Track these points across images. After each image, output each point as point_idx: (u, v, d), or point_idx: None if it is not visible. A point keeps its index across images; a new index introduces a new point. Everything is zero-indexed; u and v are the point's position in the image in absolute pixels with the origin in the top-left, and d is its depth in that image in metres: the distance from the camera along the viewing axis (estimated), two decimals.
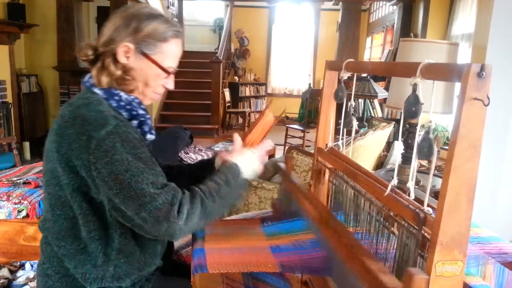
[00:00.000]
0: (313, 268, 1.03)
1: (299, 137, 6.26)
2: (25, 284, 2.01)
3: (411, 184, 0.86)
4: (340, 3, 5.41)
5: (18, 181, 2.05)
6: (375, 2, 7.31)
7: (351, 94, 1.24)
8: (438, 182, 2.16)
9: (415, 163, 0.82)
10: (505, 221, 1.86)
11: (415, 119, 0.81)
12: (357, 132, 3.48)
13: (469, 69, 0.67)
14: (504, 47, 1.73)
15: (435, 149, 0.77)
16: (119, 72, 1.04)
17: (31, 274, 2.06)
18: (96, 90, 1.05)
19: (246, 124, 8.10)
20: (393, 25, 5.55)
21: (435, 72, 0.76)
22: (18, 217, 1.92)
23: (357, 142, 2.72)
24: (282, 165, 1.48)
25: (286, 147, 5.84)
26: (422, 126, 0.91)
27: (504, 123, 1.78)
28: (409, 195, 0.85)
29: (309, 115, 6.36)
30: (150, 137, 1.12)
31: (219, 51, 7.55)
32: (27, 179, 2.06)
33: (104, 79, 1.05)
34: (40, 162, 2.50)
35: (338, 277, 0.96)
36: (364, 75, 4.47)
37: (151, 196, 0.93)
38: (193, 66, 8.78)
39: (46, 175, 1.06)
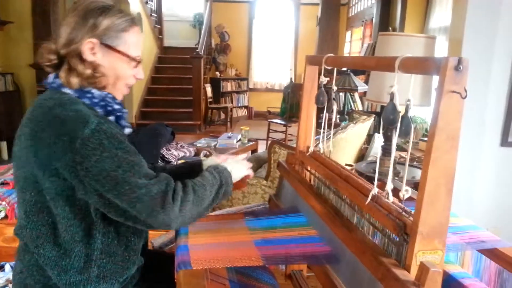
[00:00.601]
0: (306, 256, 1.04)
1: (281, 132, 6.28)
2: (5, 285, 1.97)
3: (389, 187, 0.87)
4: None
5: None
6: None
7: (330, 88, 1.25)
8: (417, 173, 2.20)
9: (392, 162, 0.83)
10: (482, 210, 1.91)
11: (394, 125, 0.82)
12: (338, 125, 3.51)
13: (446, 62, 0.69)
14: (479, 40, 1.77)
15: (412, 126, 0.79)
16: (88, 71, 1.01)
17: (11, 276, 2.02)
18: (66, 90, 1.02)
19: (228, 120, 8.08)
20: (372, 19, 5.60)
21: (413, 66, 0.78)
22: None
23: (338, 135, 2.75)
24: (283, 162, 1.47)
25: (269, 142, 5.86)
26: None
27: (480, 115, 1.82)
28: (387, 198, 0.87)
29: (290, 109, 6.39)
30: (128, 131, 1.10)
31: (200, 46, 7.50)
32: (4, 180, 2.02)
33: (74, 80, 1.01)
34: None
35: (345, 270, 0.97)
36: (344, 69, 4.51)
37: (146, 187, 0.93)
38: (174, 62, 8.72)
39: (20, 181, 1.02)
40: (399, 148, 3.06)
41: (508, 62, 1.82)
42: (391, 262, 0.79)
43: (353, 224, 0.96)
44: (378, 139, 3.47)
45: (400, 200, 0.87)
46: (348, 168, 1.32)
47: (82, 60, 1.02)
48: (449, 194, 0.75)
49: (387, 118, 0.82)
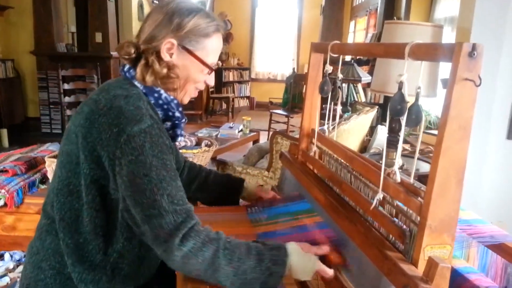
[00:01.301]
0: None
1: (283, 122, 6.24)
2: (5, 275, 1.96)
3: (397, 168, 0.84)
4: None
5: None
6: None
7: (334, 78, 1.22)
8: (420, 165, 2.17)
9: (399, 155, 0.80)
10: (487, 204, 1.88)
11: (401, 116, 0.79)
12: (341, 116, 3.48)
13: (460, 48, 0.65)
14: (488, 30, 1.73)
15: (423, 115, 0.76)
16: (164, 71, 1.00)
17: (11, 265, 2.01)
18: (137, 84, 1.01)
19: (229, 110, 8.04)
20: (377, 9, 5.52)
21: (424, 52, 0.74)
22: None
23: (341, 127, 2.71)
24: (286, 153, 1.44)
25: (271, 133, 5.83)
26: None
27: (488, 104, 1.78)
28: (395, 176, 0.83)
29: (293, 100, 6.34)
30: (180, 139, 1.10)
31: None
32: (4, 167, 2.00)
33: (149, 78, 1.00)
34: (18, 150, 2.42)
35: (352, 267, 0.95)
36: (348, 59, 4.46)
37: (160, 210, 0.88)
38: None
39: (62, 156, 1.00)
40: (403, 140, 3.02)
41: None
42: (398, 257, 0.76)
43: (358, 215, 0.94)
44: (381, 130, 3.43)
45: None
46: None
47: (159, 58, 1.00)
48: (459, 186, 0.72)
49: (394, 108, 0.79)
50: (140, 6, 7.60)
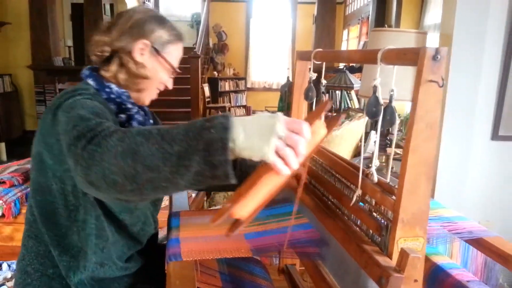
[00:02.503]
0: (295, 242, 1.04)
1: None
2: (3, 284, 1.99)
3: (374, 169, 0.89)
4: None
5: None
6: None
7: (327, 85, 1.27)
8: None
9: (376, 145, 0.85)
10: (474, 204, 1.92)
11: (377, 118, 0.84)
12: None
13: (424, 52, 0.70)
14: (469, 34, 1.79)
15: (396, 115, 0.80)
16: (139, 70, 1.09)
17: (9, 274, 2.04)
18: (90, 81, 1.07)
19: None
20: (368, 17, 5.62)
21: (395, 57, 0.79)
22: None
23: (333, 133, 2.77)
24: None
25: None
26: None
27: (471, 106, 1.84)
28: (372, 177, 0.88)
29: (288, 108, 6.40)
30: None
31: (197, 46, 7.51)
32: (1, 179, 2.04)
33: (122, 76, 1.09)
34: (15, 162, 2.46)
35: (332, 260, 0.99)
36: (341, 67, 4.53)
37: (73, 131, 0.80)
38: None
39: (31, 161, 1.06)
40: (396, 145, 3.07)
41: (498, 57, 1.84)
42: (374, 250, 0.80)
43: (340, 213, 0.98)
44: (374, 136, 3.48)
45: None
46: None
47: (131, 58, 1.08)
48: (429, 182, 0.76)
49: (370, 111, 0.83)
50: None
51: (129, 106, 1.09)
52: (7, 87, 5.71)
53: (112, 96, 1.07)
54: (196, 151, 0.66)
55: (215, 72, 8.95)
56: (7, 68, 5.83)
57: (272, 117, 0.67)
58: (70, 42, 7.31)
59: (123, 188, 0.71)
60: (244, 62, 9.56)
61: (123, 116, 1.08)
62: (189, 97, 7.39)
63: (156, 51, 1.10)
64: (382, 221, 0.84)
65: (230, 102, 8.87)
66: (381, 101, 0.84)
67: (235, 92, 9.13)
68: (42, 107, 5.63)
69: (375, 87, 0.84)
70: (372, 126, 4.08)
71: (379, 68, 0.84)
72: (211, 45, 8.88)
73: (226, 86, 8.92)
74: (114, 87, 1.07)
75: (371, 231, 0.86)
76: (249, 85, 9.54)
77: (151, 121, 1.20)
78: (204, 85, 8.00)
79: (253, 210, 0.72)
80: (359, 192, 0.90)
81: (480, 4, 1.77)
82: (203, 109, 7.98)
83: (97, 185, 0.73)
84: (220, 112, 8.36)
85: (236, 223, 0.74)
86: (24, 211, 1.99)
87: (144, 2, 8.22)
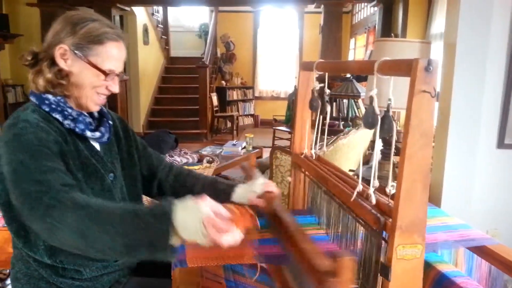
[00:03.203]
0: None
1: (287, 139, 6.31)
2: None
3: (372, 191, 0.91)
4: (322, 6, 5.49)
5: None
6: (357, 4, 7.42)
7: (334, 94, 1.29)
8: None
9: (376, 160, 0.87)
10: (481, 212, 1.91)
11: (373, 128, 0.86)
12: (341, 131, 3.54)
13: (417, 64, 0.73)
14: (473, 44, 1.80)
15: (395, 124, 0.82)
16: (50, 75, 1.06)
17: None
18: (32, 98, 1.08)
19: (234, 128, 8.14)
20: (375, 26, 5.65)
21: (390, 68, 0.82)
22: (6, 225, 1.92)
23: (340, 141, 2.78)
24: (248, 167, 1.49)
25: None
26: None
27: (476, 117, 1.84)
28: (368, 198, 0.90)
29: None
30: (93, 134, 1.12)
31: (205, 56, 7.59)
32: None
33: (40, 82, 1.06)
34: None
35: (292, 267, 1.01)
36: (348, 75, 4.55)
37: (24, 190, 0.90)
38: (180, 72, 8.83)
39: None
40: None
41: (502, 65, 1.85)
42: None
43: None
44: (380, 144, 3.48)
45: (387, 196, 0.90)
46: (350, 173, 1.36)
47: (52, 64, 1.07)
48: (425, 190, 0.78)
49: (366, 121, 0.86)
50: (145, 31, 7.82)
51: (69, 110, 1.08)
52: (19, 98, 5.82)
53: (53, 106, 1.06)
54: (143, 245, 0.82)
55: (223, 82, 9.03)
56: (19, 79, 5.95)
57: (199, 211, 0.82)
58: None
59: (80, 251, 0.88)
60: (251, 71, 9.62)
61: (68, 122, 1.07)
62: (197, 107, 7.46)
63: (77, 55, 1.06)
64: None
65: (238, 111, 8.92)
66: (378, 111, 0.86)
67: (243, 101, 9.18)
68: None
69: (371, 98, 0.86)
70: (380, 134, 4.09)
71: (375, 79, 0.86)
72: (219, 54, 8.97)
73: (234, 95, 8.98)
74: (50, 97, 1.07)
75: (369, 236, 0.88)
76: (256, 94, 9.59)
77: (110, 122, 1.20)
78: (212, 94, 8.06)
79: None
80: (359, 188, 0.92)
81: (483, 12, 1.78)
82: (211, 118, 8.04)
83: (58, 245, 0.89)
84: (228, 121, 8.41)
85: None
86: None
87: (153, 14, 8.34)
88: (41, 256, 1.07)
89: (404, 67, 0.76)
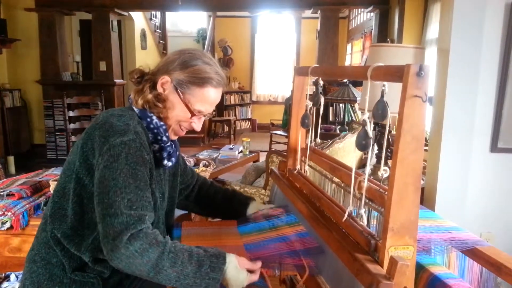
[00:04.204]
0: (293, 252, 1.09)
1: (284, 143, 6.33)
2: None
3: (363, 212, 0.92)
4: (319, 11, 5.53)
5: (2, 193, 2.07)
6: (354, 10, 7.47)
7: (331, 99, 1.30)
8: None
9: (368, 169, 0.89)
10: (475, 216, 1.94)
11: (366, 150, 0.87)
12: (338, 135, 3.56)
13: (409, 69, 0.75)
14: (466, 49, 1.83)
15: (388, 110, 0.81)
16: (150, 96, 1.13)
17: (16, 285, 2.08)
18: (134, 108, 1.16)
19: (231, 132, 8.16)
20: (371, 32, 5.69)
21: (382, 74, 0.83)
22: (2, 229, 1.93)
23: (336, 145, 2.80)
24: (275, 169, 1.54)
25: None
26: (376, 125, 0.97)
27: (470, 121, 1.86)
28: (361, 221, 0.91)
29: None
30: (167, 163, 1.19)
31: None
32: (10, 191, 2.09)
33: (139, 101, 1.14)
34: (24, 174, 2.52)
35: (328, 269, 1.02)
36: (345, 80, 4.58)
37: (116, 210, 0.97)
38: None
39: (66, 164, 1.15)
40: None
41: (494, 70, 1.88)
42: (366, 258, 0.84)
43: (335, 224, 1.01)
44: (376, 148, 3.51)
45: (379, 180, 0.91)
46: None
47: (153, 88, 1.15)
48: (417, 192, 0.79)
49: (359, 144, 0.87)
50: (143, 36, 7.85)
51: (164, 139, 1.16)
52: (17, 102, 5.82)
53: (152, 126, 1.14)
54: (197, 286, 0.99)
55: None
56: (17, 83, 5.95)
57: (244, 278, 1.05)
58: (78, 58, 7.46)
59: (142, 277, 0.99)
60: (249, 76, 9.66)
61: (156, 146, 1.16)
62: None
63: (175, 89, 1.15)
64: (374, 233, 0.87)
65: (235, 115, 8.95)
66: (371, 134, 0.87)
67: (240, 105, 9.21)
68: (51, 121, 5.72)
69: (364, 122, 0.87)
70: (376, 138, 4.12)
71: (369, 84, 0.88)
72: (216, 59, 8.99)
73: (232, 99, 9.01)
74: (154, 118, 1.15)
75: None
76: (254, 99, 9.62)
77: (178, 152, 1.28)
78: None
79: None
80: (350, 208, 0.94)
81: (476, 18, 1.81)
82: (209, 123, 8.05)
83: (123, 268, 0.97)
84: (225, 126, 8.43)
85: None
86: (32, 222, 2.04)
87: (151, 19, 8.37)
88: (81, 252, 1.10)
89: (396, 73, 0.78)
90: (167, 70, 1.15)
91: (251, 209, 1.42)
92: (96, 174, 1.02)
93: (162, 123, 1.16)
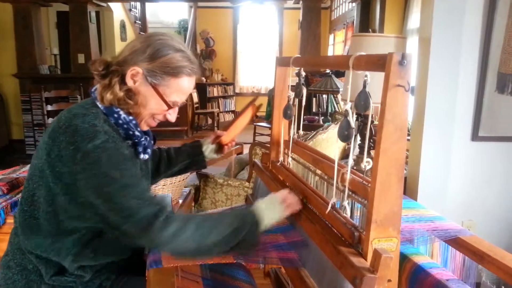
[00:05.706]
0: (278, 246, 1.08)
1: (267, 135, 6.32)
2: None
3: (346, 204, 0.91)
4: (301, 2, 5.50)
5: None
6: (336, 0, 7.46)
7: (314, 90, 1.28)
8: None
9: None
10: (456, 204, 1.96)
11: (348, 141, 0.86)
12: (321, 126, 3.56)
13: (391, 58, 0.73)
14: (447, 38, 1.83)
15: (370, 100, 0.80)
16: (121, 94, 1.05)
17: None
18: (99, 104, 1.07)
19: (215, 125, 8.10)
20: (353, 22, 5.69)
21: (365, 63, 0.82)
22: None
23: (319, 136, 2.79)
24: (258, 162, 1.51)
25: None
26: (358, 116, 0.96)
27: (450, 110, 1.87)
28: (345, 212, 0.90)
29: None
30: (144, 156, 1.14)
31: None
32: None
33: (108, 97, 1.05)
34: (0, 171, 2.44)
35: (312, 263, 1.01)
36: (327, 71, 4.58)
37: (132, 209, 0.96)
38: None
39: (31, 169, 1.08)
40: None
41: (475, 59, 1.89)
42: (350, 251, 0.82)
43: (318, 217, 1.00)
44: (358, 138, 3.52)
45: (362, 172, 0.90)
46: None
47: (122, 81, 1.06)
48: (400, 183, 0.78)
49: (341, 134, 0.85)
50: (123, 27, 7.69)
51: (137, 133, 1.10)
52: None
53: (120, 121, 1.07)
54: (243, 229, 1.02)
55: (203, 78, 8.96)
56: None
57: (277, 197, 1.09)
58: (56, 50, 7.28)
59: (188, 252, 1.01)
60: (232, 68, 9.59)
61: (130, 142, 1.10)
62: None
63: (148, 82, 1.07)
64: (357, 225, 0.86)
65: (218, 108, 8.88)
66: (353, 125, 0.85)
67: (224, 97, 9.14)
68: (28, 116, 5.57)
69: (346, 112, 0.85)
70: (359, 129, 4.14)
71: (351, 74, 0.86)
72: (198, 51, 8.89)
73: (215, 91, 8.92)
74: (122, 113, 1.07)
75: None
76: (237, 90, 9.56)
77: (152, 141, 1.22)
78: (192, 91, 7.99)
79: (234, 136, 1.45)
80: (333, 200, 0.93)
81: (456, 7, 1.81)
82: (192, 115, 7.97)
83: (170, 250, 1.01)
84: (209, 118, 8.37)
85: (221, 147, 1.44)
86: (9, 220, 1.98)
87: (130, 10, 8.21)
88: (60, 258, 1.06)
89: (378, 62, 0.76)
90: (137, 61, 1.06)
91: (206, 146, 1.43)
92: (86, 185, 0.97)
93: (131, 117, 1.09)
